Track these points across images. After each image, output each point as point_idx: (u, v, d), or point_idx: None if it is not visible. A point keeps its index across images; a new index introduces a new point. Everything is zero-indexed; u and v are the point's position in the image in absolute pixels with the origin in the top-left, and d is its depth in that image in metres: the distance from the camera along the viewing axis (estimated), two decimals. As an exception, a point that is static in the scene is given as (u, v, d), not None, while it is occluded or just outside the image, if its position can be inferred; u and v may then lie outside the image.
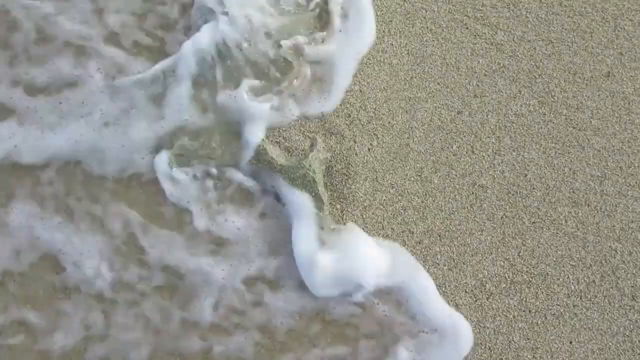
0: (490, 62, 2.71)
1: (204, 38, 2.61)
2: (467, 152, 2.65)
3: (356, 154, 2.62)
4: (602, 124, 2.69)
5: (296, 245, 2.51)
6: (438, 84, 2.69)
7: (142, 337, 2.49)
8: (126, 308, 2.51)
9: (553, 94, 2.71)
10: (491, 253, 2.59)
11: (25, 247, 2.54)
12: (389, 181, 2.62)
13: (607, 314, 2.56)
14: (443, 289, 2.55)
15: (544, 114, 2.69)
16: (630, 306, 2.56)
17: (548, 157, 2.66)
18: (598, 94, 2.71)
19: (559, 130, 2.68)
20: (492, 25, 2.73)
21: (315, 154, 2.61)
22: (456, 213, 2.61)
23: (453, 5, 2.75)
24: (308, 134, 2.64)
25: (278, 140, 2.64)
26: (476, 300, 2.55)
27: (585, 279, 2.58)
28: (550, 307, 2.56)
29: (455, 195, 2.62)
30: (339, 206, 2.60)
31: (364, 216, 2.59)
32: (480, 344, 2.52)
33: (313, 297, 2.50)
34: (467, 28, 2.74)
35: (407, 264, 2.54)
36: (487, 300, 2.56)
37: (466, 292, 2.56)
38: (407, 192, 2.62)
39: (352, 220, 2.58)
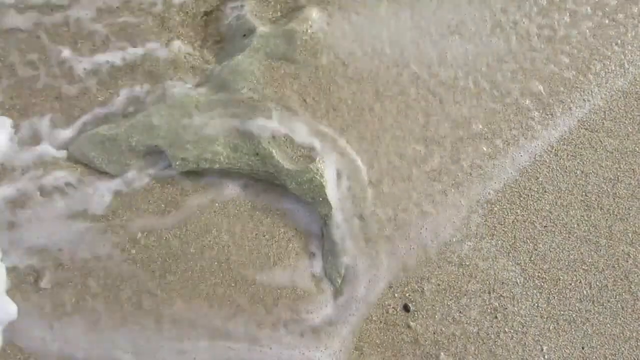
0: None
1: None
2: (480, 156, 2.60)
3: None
4: (614, 125, 2.64)
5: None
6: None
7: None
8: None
9: (565, 94, 2.66)
10: (502, 258, 2.55)
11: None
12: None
13: (620, 318, 2.52)
14: (453, 292, 2.51)
15: (555, 115, 2.64)
16: (643, 310, 2.53)
17: (560, 159, 2.61)
18: (610, 95, 2.66)
19: (570, 131, 2.63)
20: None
21: (323, 157, 2.56)
22: (467, 220, 2.56)
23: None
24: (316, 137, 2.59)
25: (284, 142, 2.58)
26: (488, 305, 2.51)
27: (597, 283, 2.54)
28: (562, 313, 2.52)
29: (465, 201, 2.57)
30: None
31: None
32: (492, 350, 2.49)
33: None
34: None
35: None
36: (498, 304, 2.52)
37: (477, 296, 2.52)
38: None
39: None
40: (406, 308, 2.51)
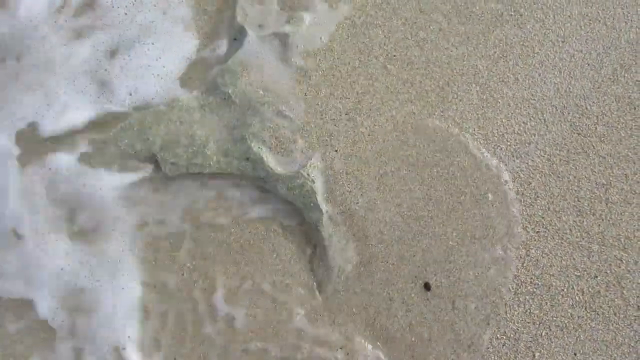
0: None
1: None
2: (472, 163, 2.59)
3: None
4: (607, 130, 2.63)
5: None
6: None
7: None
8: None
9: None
10: (495, 264, 2.53)
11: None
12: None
13: (612, 324, 2.51)
14: (448, 298, 2.50)
15: (548, 120, 2.62)
16: (635, 317, 2.51)
17: (552, 164, 2.59)
18: (603, 99, 2.64)
19: (563, 136, 2.62)
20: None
21: (314, 162, 2.54)
22: (459, 224, 2.55)
23: None
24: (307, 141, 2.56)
25: (276, 147, 2.56)
26: (480, 311, 2.50)
27: (589, 289, 2.53)
28: (554, 319, 2.50)
29: (457, 206, 2.56)
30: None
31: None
32: (484, 356, 2.47)
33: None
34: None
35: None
36: (491, 311, 2.50)
37: (469, 302, 2.50)
38: (409, 208, 2.56)
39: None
40: (427, 286, 2.48)
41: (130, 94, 2.58)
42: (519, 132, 2.61)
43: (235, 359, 2.45)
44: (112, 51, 2.61)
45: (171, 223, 2.53)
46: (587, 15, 2.70)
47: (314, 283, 2.53)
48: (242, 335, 2.46)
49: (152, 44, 2.63)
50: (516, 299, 2.51)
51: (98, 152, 2.55)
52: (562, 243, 2.55)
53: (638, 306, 2.52)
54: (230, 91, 2.58)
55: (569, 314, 2.51)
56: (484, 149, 2.58)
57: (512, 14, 2.70)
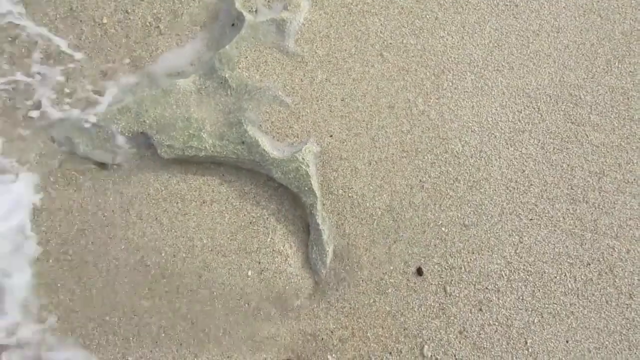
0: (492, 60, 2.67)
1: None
2: (463, 148, 2.60)
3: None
4: (601, 120, 2.65)
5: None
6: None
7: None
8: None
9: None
10: (487, 250, 2.54)
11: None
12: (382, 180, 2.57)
13: (604, 312, 2.52)
14: (440, 284, 2.50)
15: (542, 109, 2.64)
16: (627, 304, 2.52)
17: (546, 152, 2.61)
18: (597, 89, 2.66)
19: (557, 125, 2.63)
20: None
21: (309, 146, 2.55)
22: (452, 210, 2.56)
23: None
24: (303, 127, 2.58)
25: (271, 131, 2.57)
26: (472, 297, 2.50)
27: (582, 277, 2.54)
28: (546, 306, 2.51)
29: (451, 192, 2.57)
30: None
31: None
32: (476, 342, 2.47)
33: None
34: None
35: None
36: (483, 297, 2.50)
37: (462, 289, 2.51)
38: (402, 192, 2.57)
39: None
40: (419, 272, 2.49)
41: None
42: (513, 120, 2.63)
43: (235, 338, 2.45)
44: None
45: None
46: (581, 7, 2.73)
47: (308, 267, 2.53)
48: (242, 316, 2.47)
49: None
50: (509, 285, 2.52)
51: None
52: (555, 230, 2.56)
53: (630, 294, 2.52)
54: (227, 76, 2.60)
55: (561, 301, 2.51)
56: (477, 137, 2.60)
57: (508, 4, 2.73)
